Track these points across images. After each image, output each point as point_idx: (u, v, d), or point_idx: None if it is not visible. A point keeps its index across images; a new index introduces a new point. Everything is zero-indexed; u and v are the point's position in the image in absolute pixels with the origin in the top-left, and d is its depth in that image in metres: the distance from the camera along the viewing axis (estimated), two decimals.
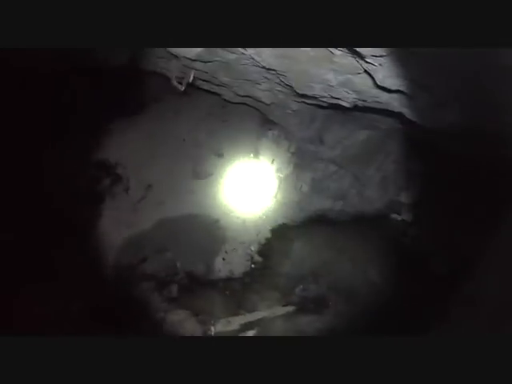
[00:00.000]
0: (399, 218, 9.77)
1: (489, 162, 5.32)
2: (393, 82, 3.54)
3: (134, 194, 6.87)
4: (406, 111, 4.20)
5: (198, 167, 7.23)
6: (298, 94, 5.07)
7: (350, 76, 3.96)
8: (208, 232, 6.97)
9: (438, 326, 3.05)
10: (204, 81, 6.01)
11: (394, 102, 4.18)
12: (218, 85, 6.07)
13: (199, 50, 4.36)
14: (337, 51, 3.40)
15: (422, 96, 3.68)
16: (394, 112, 4.49)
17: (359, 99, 4.54)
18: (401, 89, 3.63)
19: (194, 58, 4.72)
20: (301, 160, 7.48)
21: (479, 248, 3.17)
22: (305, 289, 6.59)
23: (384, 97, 4.11)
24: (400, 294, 6.96)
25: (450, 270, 8.11)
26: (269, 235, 7.46)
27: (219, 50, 4.35)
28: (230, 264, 6.86)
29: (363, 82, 3.90)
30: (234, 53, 4.33)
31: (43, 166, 6.09)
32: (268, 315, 5.98)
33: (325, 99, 5.03)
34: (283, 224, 7.60)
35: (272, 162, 7.37)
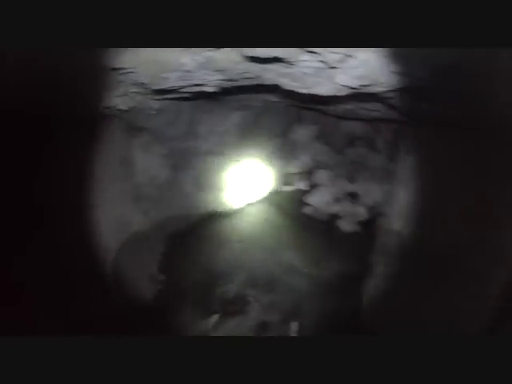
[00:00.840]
0: (292, 188, 9.76)
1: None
2: (264, 51, 2.84)
3: None
4: (283, 81, 3.57)
5: None
6: (154, 90, 4.24)
7: (209, 53, 3.16)
8: None
9: None
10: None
11: (268, 74, 3.53)
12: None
13: None
14: None
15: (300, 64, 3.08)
16: (267, 85, 3.85)
17: (225, 79, 3.79)
18: (279, 56, 2.94)
19: None
20: (176, 160, 6.77)
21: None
22: (223, 291, 6.22)
23: (255, 69, 3.44)
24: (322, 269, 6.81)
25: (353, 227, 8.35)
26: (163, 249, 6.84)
27: None
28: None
29: (227, 56, 3.17)
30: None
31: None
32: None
33: (186, 89, 4.24)
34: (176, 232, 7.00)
35: (146, 170, 6.53)
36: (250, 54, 2.88)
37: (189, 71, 3.46)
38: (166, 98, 5.01)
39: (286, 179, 10.04)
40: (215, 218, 7.44)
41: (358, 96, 3.84)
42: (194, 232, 7.08)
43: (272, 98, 5.47)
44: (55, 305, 4.66)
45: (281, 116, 8.62)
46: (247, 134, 7.73)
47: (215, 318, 5.76)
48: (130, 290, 5.74)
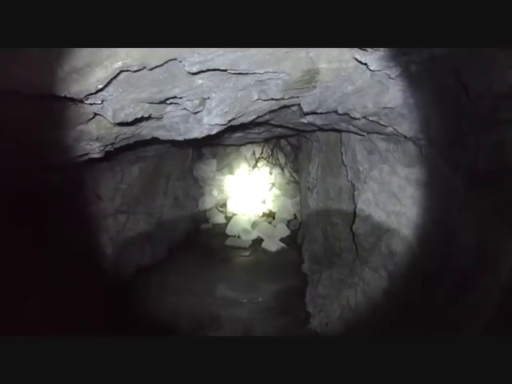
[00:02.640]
0: (211, 225, 10.00)
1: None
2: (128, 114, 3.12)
3: None
4: (160, 133, 3.87)
5: None
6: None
7: (81, 127, 3.40)
8: None
9: None
10: None
11: (143, 130, 3.82)
12: None
13: None
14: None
15: None
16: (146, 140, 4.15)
17: (105, 145, 4.01)
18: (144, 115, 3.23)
19: None
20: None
21: None
22: None
23: (128, 130, 3.72)
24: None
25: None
26: None
27: None
28: None
29: (96, 127, 3.44)
30: None
31: None
32: None
33: (74, 160, 4.41)
34: None
35: None
36: (116, 121, 3.12)
37: (70, 146, 3.65)
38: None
39: (203, 217, 10.31)
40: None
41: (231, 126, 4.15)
42: None
43: (160, 147, 5.70)
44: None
45: (179, 158, 8.86)
46: (151, 185, 7.84)
47: None
48: None
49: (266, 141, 9.56)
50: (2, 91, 2.46)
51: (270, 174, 10.83)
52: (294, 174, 10.26)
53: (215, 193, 10.56)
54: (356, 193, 5.13)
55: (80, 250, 5.80)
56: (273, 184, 10.82)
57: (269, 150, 10.55)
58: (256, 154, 10.62)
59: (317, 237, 6.96)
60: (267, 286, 7.28)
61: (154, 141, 4.29)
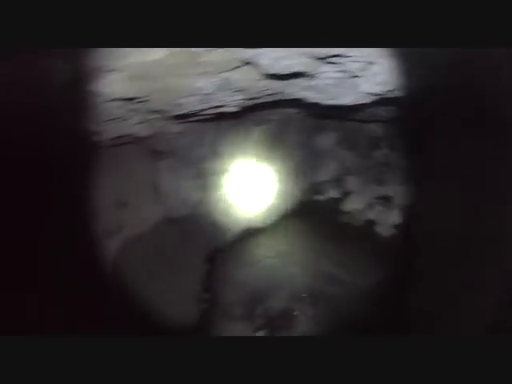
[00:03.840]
0: (323, 197, 9.67)
1: None
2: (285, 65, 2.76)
3: None
4: (306, 94, 3.49)
5: None
6: (172, 116, 4.20)
7: (225, 74, 3.12)
8: None
9: None
10: None
11: (290, 89, 3.45)
12: None
13: None
14: (200, 50, 2.57)
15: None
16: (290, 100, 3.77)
17: (246, 98, 3.71)
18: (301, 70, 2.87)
19: None
20: (204, 181, 6.77)
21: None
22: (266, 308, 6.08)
23: (276, 86, 3.36)
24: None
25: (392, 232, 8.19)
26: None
27: None
28: None
29: (246, 76, 3.10)
30: None
31: None
32: None
33: (208, 111, 4.18)
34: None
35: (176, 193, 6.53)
36: (270, 72, 2.80)
37: (208, 94, 3.41)
38: (187, 121, 4.97)
39: (316, 189, 9.97)
40: (250, 234, 7.34)
41: (380, 101, 3.74)
42: (231, 250, 7.02)
43: (293, 110, 5.39)
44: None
45: (303, 126, 8.55)
46: (271, 148, 7.67)
47: (261, 334, 5.70)
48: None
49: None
50: None
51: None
52: None
53: (333, 166, 10.16)
54: None
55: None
56: None
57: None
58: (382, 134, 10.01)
59: None
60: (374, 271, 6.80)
61: (291, 103, 3.96)
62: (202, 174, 6.70)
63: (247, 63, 2.84)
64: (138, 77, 2.99)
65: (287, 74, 2.86)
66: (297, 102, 3.90)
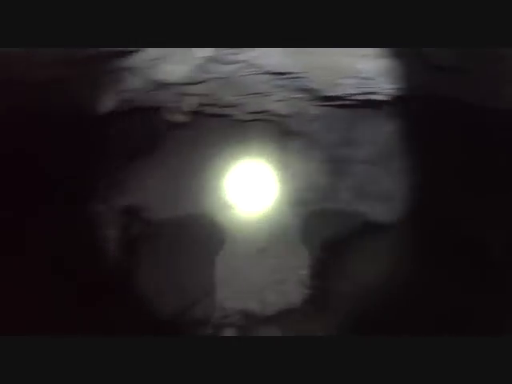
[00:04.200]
0: None
1: None
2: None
3: None
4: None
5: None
6: (322, 96, 4.25)
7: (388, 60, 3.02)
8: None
9: None
10: (205, 105, 5.06)
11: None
12: (223, 106, 5.17)
13: (184, 72, 3.39)
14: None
15: None
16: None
17: (402, 88, 3.65)
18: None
19: (182, 82, 3.73)
20: (334, 167, 6.75)
21: None
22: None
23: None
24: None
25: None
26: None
27: (210, 65, 3.35)
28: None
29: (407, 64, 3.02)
30: (228, 63, 3.34)
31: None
32: None
33: (356, 97, 4.18)
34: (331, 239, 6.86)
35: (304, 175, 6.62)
36: (437, 64, 2.71)
37: (366, 78, 3.40)
38: (330, 105, 4.95)
39: None
40: (371, 228, 7.16)
41: None
42: (349, 241, 6.86)
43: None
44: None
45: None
46: (404, 144, 7.42)
47: None
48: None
49: None
50: None
51: None
52: None
53: None
54: None
55: None
56: None
57: None
58: None
59: None
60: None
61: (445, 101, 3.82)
62: (333, 160, 6.73)
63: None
64: (301, 52, 2.95)
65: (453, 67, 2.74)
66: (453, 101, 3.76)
